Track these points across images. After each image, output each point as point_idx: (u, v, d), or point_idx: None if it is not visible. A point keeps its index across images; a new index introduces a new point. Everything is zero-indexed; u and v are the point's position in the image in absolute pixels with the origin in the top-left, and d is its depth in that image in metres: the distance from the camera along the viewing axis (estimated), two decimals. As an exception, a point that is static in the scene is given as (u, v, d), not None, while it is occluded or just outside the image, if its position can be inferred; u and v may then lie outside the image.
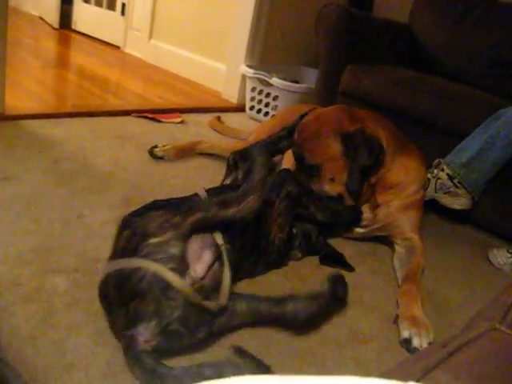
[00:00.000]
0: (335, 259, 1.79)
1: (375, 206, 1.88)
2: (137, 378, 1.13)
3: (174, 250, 1.17)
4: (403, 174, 1.87)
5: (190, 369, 1.11)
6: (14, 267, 1.43)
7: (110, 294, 1.20)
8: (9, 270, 1.41)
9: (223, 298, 1.24)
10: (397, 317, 1.51)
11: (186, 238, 1.21)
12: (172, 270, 1.15)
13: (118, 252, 1.23)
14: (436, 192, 2.14)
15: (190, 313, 1.16)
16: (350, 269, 1.78)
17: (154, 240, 1.17)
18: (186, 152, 2.48)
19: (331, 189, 1.79)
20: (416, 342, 1.40)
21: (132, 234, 1.21)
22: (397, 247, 1.90)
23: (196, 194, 1.50)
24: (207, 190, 1.52)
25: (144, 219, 1.23)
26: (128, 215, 1.30)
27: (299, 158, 1.84)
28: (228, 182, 1.71)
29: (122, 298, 1.17)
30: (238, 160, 1.69)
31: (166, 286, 1.13)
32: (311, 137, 1.81)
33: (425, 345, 1.39)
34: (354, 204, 1.83)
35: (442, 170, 2.14)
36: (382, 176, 1.83)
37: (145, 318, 1.13)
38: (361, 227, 1.93)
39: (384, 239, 1.97)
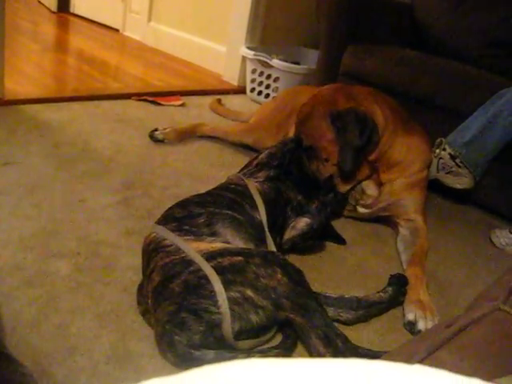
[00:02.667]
0: (326, 231, 1.78)
1: (379, 184, 1.87)
2: (169, 362, 1.14)
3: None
4: (405, 152, 1.86)
5: (224, 354, 1.12)
6: (17, 252, 1.43)
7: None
8: (11, 254, 1.42)
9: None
10: (402, 301, 1.50)
11: None
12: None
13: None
14: (438, 172, 2.13)
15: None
16: (342, 241, 1.79)
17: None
18: (186, 135, 2.47)
19: (325, 169, 1.79)
20: (421, 325, 1.40)
21: None
22: (400, 229, 1.89)
23: None
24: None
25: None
26: None
27: (297, 140, 1.83)
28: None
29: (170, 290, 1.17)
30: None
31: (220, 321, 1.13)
32: (305, 118, 1.81)
33: (429, 328, 1.39)
34: (348, 182, 1.83)
35: (444, 149, 2.13)
36: (383, 154, 1.82)
37: (192, 331, 1.12)
38: (365, 207, 1.92)
39: (387, 220, 1.97)
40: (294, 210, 1.64)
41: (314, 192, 1.73)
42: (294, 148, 1.76)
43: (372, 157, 1.81)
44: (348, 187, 1.84)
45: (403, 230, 1.88)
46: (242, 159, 2.27)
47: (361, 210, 1.93)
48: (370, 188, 1.88)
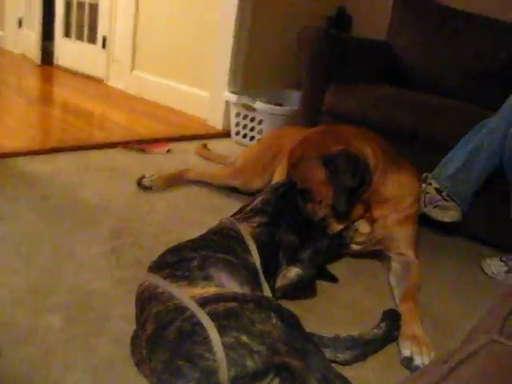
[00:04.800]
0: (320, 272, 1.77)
1: (372, 221, 1.88)
2: None
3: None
4: (397, 189, 1.87)
5: None
6: (7, 307, 1.41)
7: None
8: (1, 310, 1.40)
9: None
10: (397, 336, 1.50)
11: None
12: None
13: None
14: (426, 206, 2.15)
15: None
16: (334, 280, 1.79)
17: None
18: (174, 181, 2.48)
19: (319, 210, 1.79)
20: (417, 361, 1.39)
21: None
22: (392, 264, 1.89)
23: None
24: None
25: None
26: None
27: (291, 183, 1.84)
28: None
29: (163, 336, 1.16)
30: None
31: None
32: (297, 162, 1.82)
33: (426, 363, 1.38)
34: (342, 222, 1.84)
35: (430, 183, 2.15)
36: (375, 192, 1.83)
37: (187, 379, 1.08)
38: (358, 244, 1.92)
39: (378, 255, 1.97)
40: (285, 256, 1.64)
41: (307, 234, 1.74)
42: (285, 193, 1.77)
43: (365, 195, 1.82)
44: (341, 227, 1.85)
45: (395, 265, 1.88)
46: (229, 202, 2.28)
47: (354, 246, 1.94)
48: (362, 226, 1.88)
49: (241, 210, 1.77)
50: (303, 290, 1.66)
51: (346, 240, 1.86)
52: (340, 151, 1.75)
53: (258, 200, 1.77)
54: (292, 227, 1.69)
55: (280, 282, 1.60)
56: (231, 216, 1.75)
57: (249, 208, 1.75)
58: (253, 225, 1.63)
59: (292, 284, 1.60)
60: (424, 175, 2.19)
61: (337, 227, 1.84)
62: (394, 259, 1.89)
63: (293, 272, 1.61)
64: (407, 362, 1.40)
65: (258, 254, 1.49)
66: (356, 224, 1.87)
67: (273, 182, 1.94)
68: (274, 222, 1.67)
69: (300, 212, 1.76)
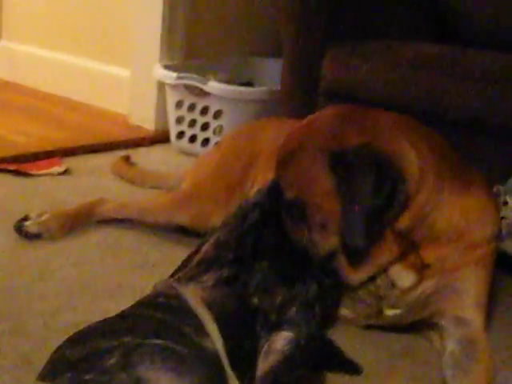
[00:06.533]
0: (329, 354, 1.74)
1: (420, 267, 1.86)
2: None
3: None
4: (459, 215, 1.84)
5: None
6: None
7: None
8: None
9: None
10: None
11: None
12: None
13: None
14: (502, 240, 2.15)
15: None
16: (356, 370, 1.74)
17: None
18: (77, 221, 2.48)
19: (322, 240, 1.78)
20: None
21: None
22: (447, 340, 1.86)
23: None
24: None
25: None
26: None
27: (276, 190, 1.84)
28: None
29: None
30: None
31: None
32: (289, 158, 1.80)
33: None
34: (360, 268, 1.83)
35: (505, 202, 2.15)
36: (422, 219, 1.80)
37: None
38: (396, 306, 1.90)
39: (423, 325, 1.97)
40: (266, 323, 1.63)
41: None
42: (262, 216, 1.78)
43: (402, 224, 1.80)
44: (363, 276, 1.83)
45: (452, 343, 1.83)
46: (173, 253, 2.27)
47: (389, 311, 1.92)
48: (402, 276, 1.86)
49: (183, 266, 1.78)
50: (304, 363, 1.62)
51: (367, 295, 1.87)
52: (359, 146, 1.72)
53: (208, 244, 1.77)
54: (278, 274, 1.69)
55: (263, 365, 1.57)
56: (170, 276, 1.74)
57: (195, 260, 1.75)
58: (206, 285, 1.63)
59: (284, 360, 1.57)
60: (494, 189, 2.19)
61: (356, 277, 1.83)
62: (449, 331, 1.86)
63: (280, 340, 1.58)
64: None
65: (218, 333, 1.48)
66: (391, 272, 1.85)
67: (240, 203, 1.93)
68: (241, 273, 1.67)
69: (288, 241, 1.77)
